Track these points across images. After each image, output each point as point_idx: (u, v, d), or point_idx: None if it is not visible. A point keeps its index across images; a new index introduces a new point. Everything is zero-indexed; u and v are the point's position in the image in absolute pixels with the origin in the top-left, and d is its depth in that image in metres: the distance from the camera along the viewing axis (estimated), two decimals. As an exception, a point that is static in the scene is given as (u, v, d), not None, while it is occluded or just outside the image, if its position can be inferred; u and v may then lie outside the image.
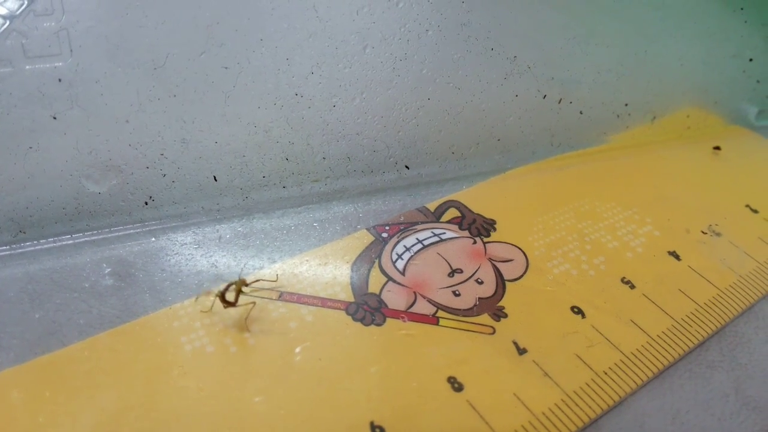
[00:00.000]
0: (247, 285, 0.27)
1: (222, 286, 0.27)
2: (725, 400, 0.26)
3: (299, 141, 0.33)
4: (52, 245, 0.30)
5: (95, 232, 0.31)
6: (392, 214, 0.33)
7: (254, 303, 0.27)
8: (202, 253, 0.30)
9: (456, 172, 0.37)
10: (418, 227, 0.32)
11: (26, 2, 0.26)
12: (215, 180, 0.32)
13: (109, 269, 0.29)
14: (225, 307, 0.26)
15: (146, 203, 0.31)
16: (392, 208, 0.34)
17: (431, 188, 0.36)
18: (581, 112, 0.39)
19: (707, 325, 0.28)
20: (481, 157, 0.37)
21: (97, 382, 0.24)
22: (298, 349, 0.26)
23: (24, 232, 0.30)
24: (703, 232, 0.33)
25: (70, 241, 0.30)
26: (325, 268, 0.30)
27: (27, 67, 0.27)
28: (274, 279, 0.29)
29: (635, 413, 0.25)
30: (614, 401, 0.25)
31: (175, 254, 0.30)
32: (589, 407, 0.24)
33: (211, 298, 0.27)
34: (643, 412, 0.25)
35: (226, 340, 0.26)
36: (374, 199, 0.35)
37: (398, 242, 0.31)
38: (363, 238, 0.32)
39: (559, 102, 0.38)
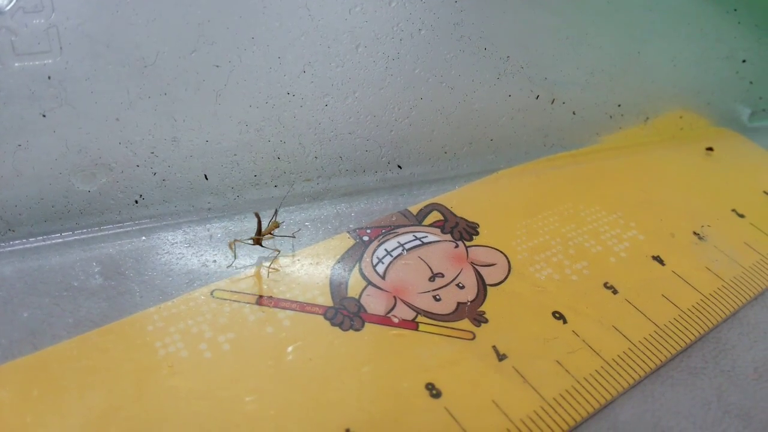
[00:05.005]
0: (278, 227, 0.30)
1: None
2: (707, 408, 0.26)
3: (291, 140, 0.33)
4: (41, 243, 0.30)
5: (85, 230, 0.31)
6: (384, 213, 0.33)
7: (278, 251, 0.30)
8: (192, 252, 0.30)
9: (448, 171, 0.37)
10: (400, 231, 0.32)
11: (15, -1, 0.26)
12: (206, 179, 0.32)
13: (98, 268, 0.29)
14: (252, 244, 0.30)
15: (136, 202, 0.31)
16: (385, 207, 0.34)
17: (423, 188, 0.36)
18: (574, 113, 0.39)
19: (690, 332, 0.29)
20: (474, 157, 0.37)
21: (86, 381, 0.24)
22: (274, 355, 0.26)
23: (13, 230, 0.30)
24: (689, 236, 0.33)
25: (60, 240, 0.30)
26: (306, 270, 0.30)
27: (16, 64, 0.27)
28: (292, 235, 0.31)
29: (616, 421, 0.25)
30: (594, 408, 0.25)
31: (166, 253, 0.30)
32: (569, 414, 0.25)
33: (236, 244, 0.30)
34: (624, 420, 0.25)
35: (219, 338, 0.26)
36: (365, 199, 0.35)
37: (379, 246, 0.31)
38: (344, 241, 0.32)
39: (552, 102, 0.38)
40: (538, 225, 0.33)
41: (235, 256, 0.30)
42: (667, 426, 0.25)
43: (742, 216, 0.35)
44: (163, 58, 0.29)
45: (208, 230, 0.32)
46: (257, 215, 0.30)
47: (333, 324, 0.27)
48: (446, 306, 0.28)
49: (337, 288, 0.29)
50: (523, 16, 0.35)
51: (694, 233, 0.34)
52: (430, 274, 0.30)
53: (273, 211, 0.31)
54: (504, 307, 0.29)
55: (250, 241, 0.30)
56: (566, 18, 0.36)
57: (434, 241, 0.32)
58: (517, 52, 0.36)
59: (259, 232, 0.30)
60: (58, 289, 0.28)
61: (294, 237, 0.31)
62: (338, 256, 0.31)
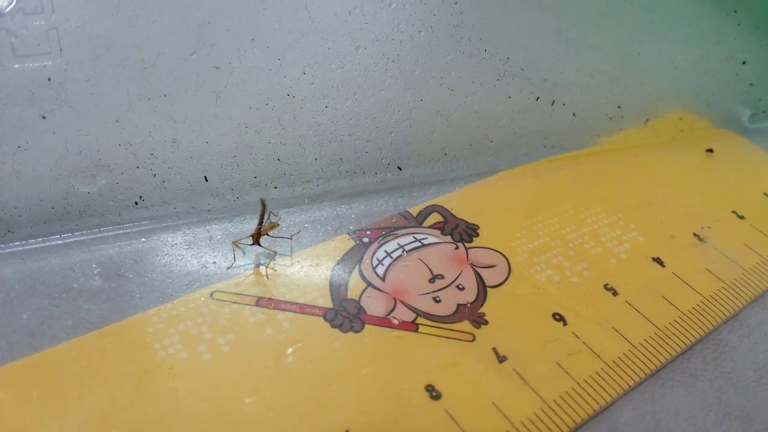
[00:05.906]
0: (277, 227, 0.31)
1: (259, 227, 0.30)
2: (708, 410, 0.26)
3: (291, 142, 0.33)
4: (40, 245, 0.30)
5: (84, 232, 0.31)
6: (384, 215, 0.33)
7: (275, 252, 0.30)
8: (192, 254, 0.30)
9: (448, 173, 0.37)
10: (400, 232, 0.32)
11: (15, 0, 0.26)
12: (206, 180, 0.32)
13: (98, 269, 0.29)
14: (251, 244, 0.30)
15: (136, 203, 0.31)
16: (385, 209, 0.34)
17: (423, 190, 0.36)
18: (574, 114, 0.39)
19: (690, 333, 0.29)
20: (474, 159, 0.37)
21: (86, 383, 0.24)
22: (274, 357, 0.26)
23: (12, 232, 0.30)
24: (689, 238, 0.33)
25: (59, 241, 0.30)
26: (306, 272, 0.30)
27: (16, 66, 0.27)
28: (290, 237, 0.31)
29: (616, 423, 0.25)
30: (594, 410, 0.25)
31: (166, 255, 0.30)
32: (569, 416, 0.25)
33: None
34: (624, 422, 0.25)
35: (219, 339, 0.26)
36: (365, 201, 0.35)
37: (379, 247, 0.31)
38: (344, 243, 0.32)
39: (552, 104, 0.38)
40: (538, 226, 0.33)
41: (234, 259, 0.30)
42: (668, 428, 0.25)
43: (742, 217, 0.35)
44: (163, 59, 0.29)
45: (208, 232, 0.32)
46: (262, 201, 0.30)
47: (333, 326, 0.27)
48: (446, 308, 0.28)
49: (336, 289, 0.29)
50: (523, 18, 0.35)
51: (695, 235, 0.34)
52: (430, 276, 0.30)
53: (273, 212, 0.31)
54: (504, 309, 0.29)
55: (250, 240, 0.30)
56: (566, 19, 0.36)
57: (434, 243, 0.32)
58: (517, 54, 0.36)
59: (261, 222, 0.30)
60: (58, 291, 0.28)
61: (291, 239, 0.31)
62: (338, 258, 0.31)
